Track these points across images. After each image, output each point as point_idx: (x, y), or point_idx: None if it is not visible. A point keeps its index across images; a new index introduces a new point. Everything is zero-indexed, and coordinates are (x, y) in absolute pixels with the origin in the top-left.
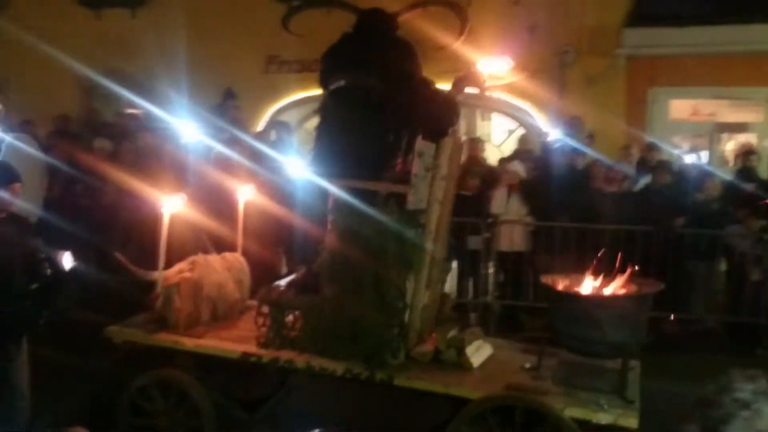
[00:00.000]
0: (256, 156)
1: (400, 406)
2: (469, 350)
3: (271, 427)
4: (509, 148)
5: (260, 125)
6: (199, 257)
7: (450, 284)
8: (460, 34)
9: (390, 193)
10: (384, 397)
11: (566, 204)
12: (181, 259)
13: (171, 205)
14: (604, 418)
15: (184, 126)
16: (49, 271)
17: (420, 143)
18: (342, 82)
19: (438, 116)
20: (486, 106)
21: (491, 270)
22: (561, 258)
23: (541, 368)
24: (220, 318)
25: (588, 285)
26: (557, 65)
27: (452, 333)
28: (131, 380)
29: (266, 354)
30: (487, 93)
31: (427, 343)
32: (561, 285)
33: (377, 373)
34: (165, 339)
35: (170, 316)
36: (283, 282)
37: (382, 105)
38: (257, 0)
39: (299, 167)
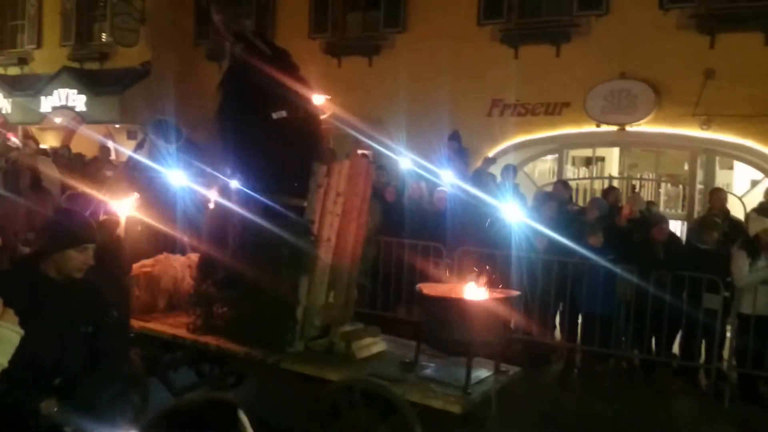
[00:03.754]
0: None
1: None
2: (358, 344)
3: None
4: (754, 200)
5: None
6: (162, 256)
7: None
8: None
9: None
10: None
11: None
12: None
13: None
14: (435, 403)
15: (408, 165)
16: None
17: (314, 165)
18: (283, 113)
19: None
20: (726, 153)
21: (728, 333)
22: None
23: (417, 364)
24: (175, 308)
25: (452, 292)
26: None
27: (348, 328)
28: None
29: (189, 337)
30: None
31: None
32: (429, 290)
33: (269, 358)
34: None
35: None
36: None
37: (306, 133)
38: (483, 45)
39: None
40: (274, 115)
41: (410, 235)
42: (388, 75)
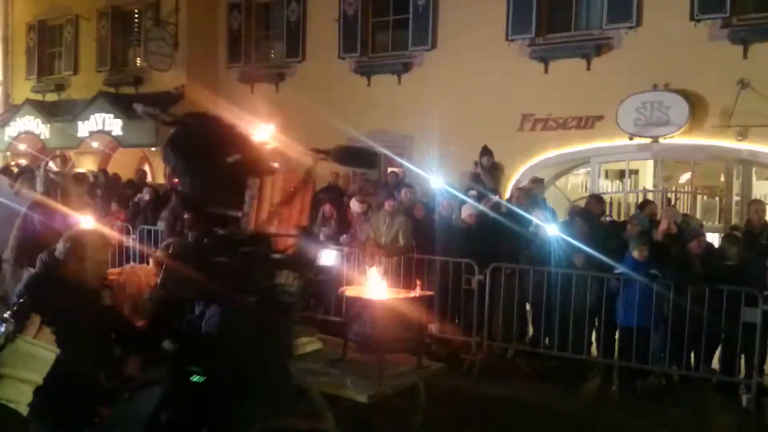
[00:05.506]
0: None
1: None
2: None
3: None
4: None
5: (514, 181)
6: (128, 266)
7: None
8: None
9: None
10: None
11: None
12: None
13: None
14: (345, 393)
15: (441, 183)
16: None
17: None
18: (237, 156)
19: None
20: (763, 164)
21: None
22: None
23: (344, 360)
24: (139, 313)
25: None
26: None
27: None
28: None
29: None
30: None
31: None
32: (350, 291)
33: None
34: None
35: None
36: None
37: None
38: (512, 60)
39: None
40: (229, 159)
41: (441, 252)
42: (418, 93)
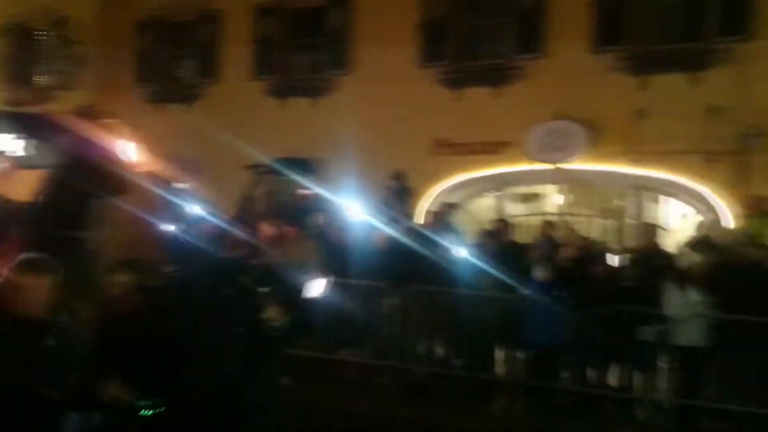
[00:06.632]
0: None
1: None
2: None
3: None
4: (684, 234)
5: (426, 205)
6: None
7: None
8: None
9: None
10: None
11: (752, 296)
12: None
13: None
14: None
15: (353, 207)
16: None
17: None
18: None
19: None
20: (656, 189)
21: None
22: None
23: None
24: None
25: None
26: (740, 148)
27: None
28: None
29: None
30: None
31: None
32: None
33: None
34: None
35: None
36: None
37: None
38: (424, 87)
39: None
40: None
41: (355, 276)
42: (333, 116)
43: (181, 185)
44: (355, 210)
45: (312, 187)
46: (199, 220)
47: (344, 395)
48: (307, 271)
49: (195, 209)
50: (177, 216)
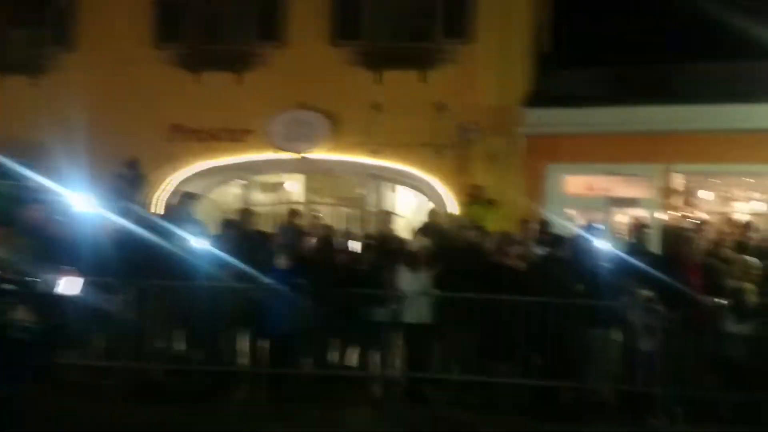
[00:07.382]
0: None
1: None
2: None
3: None
4: (416, 220)
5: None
6: None
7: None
8: None
9: None
10: None
11: (471, 276)
12: None
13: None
14: None
15: (79, 197)
16: None
17: None
18: None
19: None
20: (392, 179)
21: (399, 342)
22: (466, 329)
23: None
24: None
25: None
26: (462, 142)
27: None
28: None
29: None
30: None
31: None
32: None
33: None
34: None
35: None
36: None
37: None
38: (160, 69)
39: None
40: None
41: (82, 271)
42: (55, 97)
43: None
44: (81, 200)
45: (29, 176)
46: None
47: (68, 399)
48: (56, 270)
49: None
50: None
